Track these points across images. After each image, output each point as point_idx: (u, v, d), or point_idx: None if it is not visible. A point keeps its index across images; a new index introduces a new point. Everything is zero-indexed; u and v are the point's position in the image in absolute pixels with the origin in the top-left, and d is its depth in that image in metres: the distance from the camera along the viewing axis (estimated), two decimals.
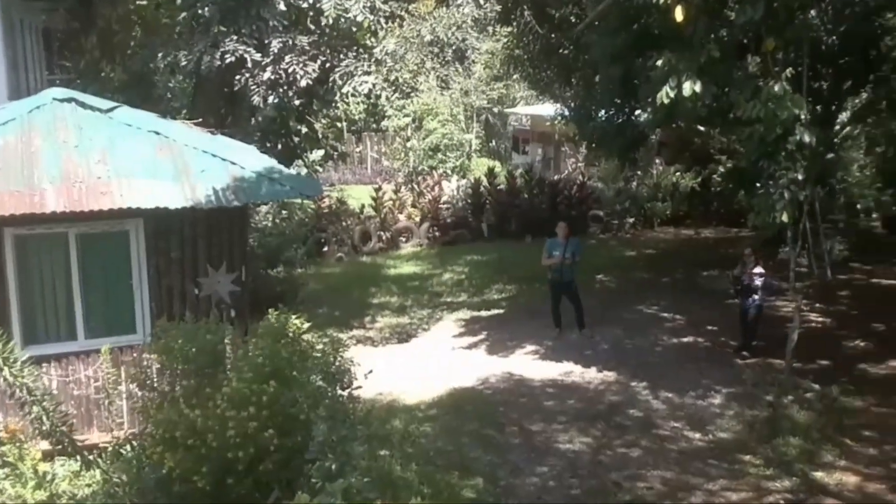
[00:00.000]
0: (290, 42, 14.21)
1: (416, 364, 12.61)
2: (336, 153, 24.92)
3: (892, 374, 11.25)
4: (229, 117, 22.30)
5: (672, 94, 8.96)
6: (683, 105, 9.60)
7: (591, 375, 11.61)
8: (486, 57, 32.78)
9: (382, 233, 22.99)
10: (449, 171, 29.82)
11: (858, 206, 23.88)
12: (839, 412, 9.68)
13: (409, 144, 32.42)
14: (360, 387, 6.99)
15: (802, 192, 9.02)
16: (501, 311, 15.47)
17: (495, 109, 35.13)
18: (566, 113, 17.35)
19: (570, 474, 8.85)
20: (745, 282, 12.00)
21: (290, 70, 14.13)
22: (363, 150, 38.03)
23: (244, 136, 13.89)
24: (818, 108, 12.62)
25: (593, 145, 14.79)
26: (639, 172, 29.38)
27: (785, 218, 8.96)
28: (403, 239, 23.35)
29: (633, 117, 13.61)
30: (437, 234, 23.46)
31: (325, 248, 22.02)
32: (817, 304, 14.58)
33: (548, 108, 27.18)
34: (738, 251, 18.74)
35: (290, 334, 6.82)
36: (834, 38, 12.08)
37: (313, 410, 6.12)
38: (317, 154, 23.49)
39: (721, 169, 24.77)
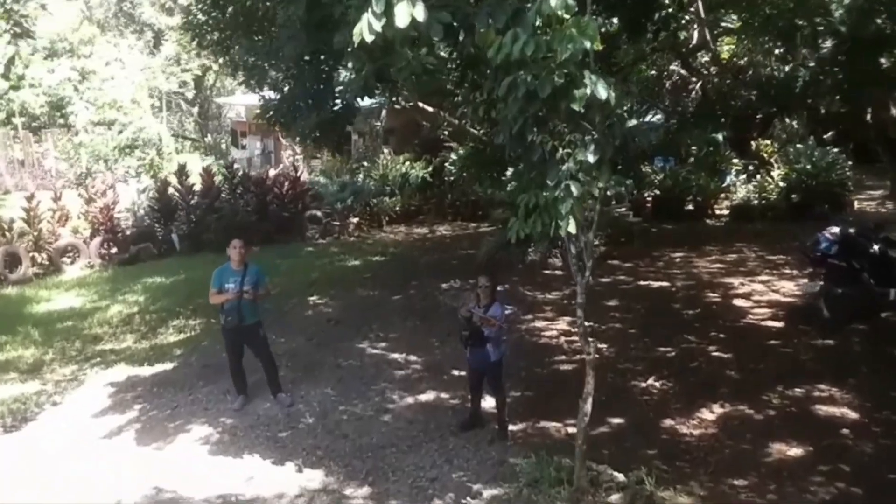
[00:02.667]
0: None
1: (7, 478, 8.01)
2: None
3: (707, 432, 8.14)
4: None
5: (377, 28, 5.16)
6: (399, 52, 5.91)
7: (284, 479, 7.51)
8: (177, 33, 27.70)
9: (37, 254, 17.65)
10: (133, 172, 24.59)
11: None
12: None
13: (77, 140, 26.61)
14: None
15: (597, 181, 5.54)
16: (172, 364, 11.07)
17: (189, 95, 30.09)
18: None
19: None
20: (478, 325, 7.81)
21: None
22: (46, 150, 31.55)
23: None
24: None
25: (279, 124, 10.56)
26: (365, 163, 26.07)
27: (572, 227, 5.45)
28: (68, 260, 18.16)
29: (332, 86, 9.63)
30: (113, 251, 18.47)
31: None
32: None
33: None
34: (476, 254, 15.90)
35: None
36: None
37: None
38: None
39: (453, 156, 21.82)
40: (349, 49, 6.57)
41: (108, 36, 39.80)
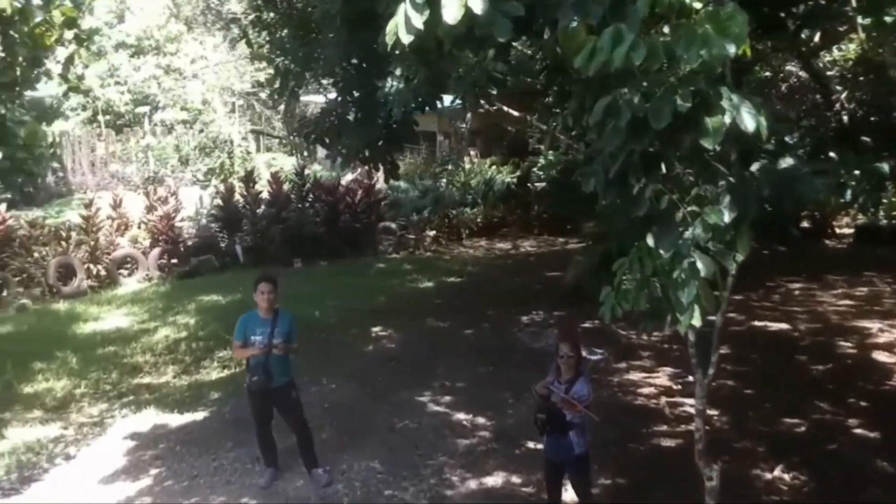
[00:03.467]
0: None
1: None
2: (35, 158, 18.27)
3: None
4: None
5: (417, 24, 3.52)
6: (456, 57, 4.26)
7: None
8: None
9: (93, 265, 16.58)
10: (202, 176, 23.47)
11: None
12: None
13: (144, 141, 25.65)
14: None
15: (733, 253, 3.74)
16: (204, 412, 9.62)
17: (262, 94, 28.93)
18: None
19: None
20: (559, 407, 6.01)
21: None
22: (112, 151, 30.80)
23: None
24: None
25: (320, 142, 8.86)
26: (449, 167, 24.50)
27: (696, 320, 3.66)
28: (125, 272, 17.06)
29: (382, 96, 7.88)
30: (173, 262, 17.31)
31: (5, 293, 15.47)
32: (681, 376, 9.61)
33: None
34: (563, 277, 13.96)
35: None
36: None
37: None
38: None
39: (542, 161, 19.90)
40: (396, 52, 4.92)
41: (194, 33, 39.23)
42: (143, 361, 11.88)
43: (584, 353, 6.77)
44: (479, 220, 19.98)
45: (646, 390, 9.56)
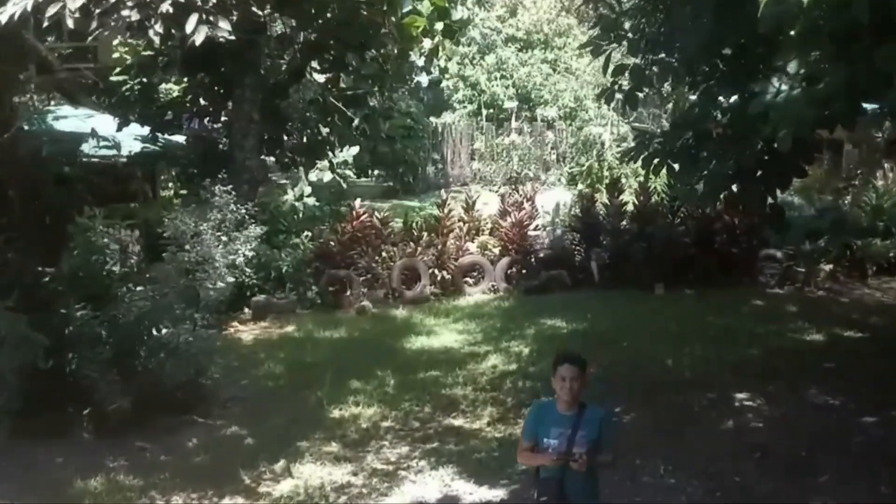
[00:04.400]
0: None
1: None
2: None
3: None
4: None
5: None
6: None
7: None
8: None
9: (438, 270, 15.61)
10: (564, 180, 21.70)
11: None
12: None
13: (510, 139, 24.36)
14: None
15: None
16: (504, 489, 7.75)
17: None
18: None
19: None
20: None
21: None
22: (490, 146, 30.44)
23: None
24: None
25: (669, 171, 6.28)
26: (856, 183, 20.47)
27: None
28: (470, 280, 15.90)
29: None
30: (520, 273, 15.84)
31: (349, 292, 15.03)
32: None
33: None
34: None
35: None
36: None
37: None
38: (349, 152, 16.44)
39: None
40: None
41: (584, 27, 38.00)
42: (462, 396, 10.36)
43: None
44: (891, 254, 15.96)
45: None
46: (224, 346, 12.66)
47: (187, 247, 13.21)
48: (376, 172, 26.37)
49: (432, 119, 31.59)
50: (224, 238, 13.68)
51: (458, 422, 9.60)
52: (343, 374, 11.12)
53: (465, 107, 34.65)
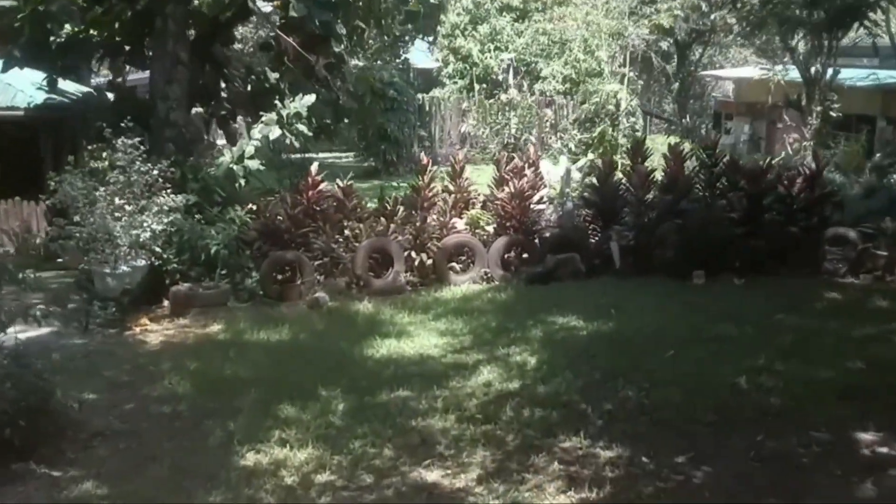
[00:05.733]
0: None
1: None
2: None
3: None
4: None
5: None
6: None
7: None
8: None
9: (415, 253, 12.23)
10: (573, 148, 18.23)
11: None
12: None
13: (508, 96, 20.86)
14: None
15: None
16: None
17: (664, 45, 22.93)
18: None
19: None
20: None
21: None
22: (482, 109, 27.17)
23: None
24: None
25: None
26: None
27: None
28: (458, 265, 12.51)
29: None
30: (521, 257, 12.48)
31: (299, 280, 11.64)
32: None
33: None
34: None
35: None
36: None
37: None
38: (302, 102, 12.92)
39: None
40: None
41: None
42: (441, 430, 6.98)
43: None
44: None
45: None
46: (117, 354, 9.40)
47: (77, 218, 9.91)
48: (352, 153, 22.91)
49: (420, 95, 28.33)
50: (129, 208, 10.32)
51: (432, 475, 6.22)
52: (273, 395, 7.78)
53: (455, 82, 31.36)
